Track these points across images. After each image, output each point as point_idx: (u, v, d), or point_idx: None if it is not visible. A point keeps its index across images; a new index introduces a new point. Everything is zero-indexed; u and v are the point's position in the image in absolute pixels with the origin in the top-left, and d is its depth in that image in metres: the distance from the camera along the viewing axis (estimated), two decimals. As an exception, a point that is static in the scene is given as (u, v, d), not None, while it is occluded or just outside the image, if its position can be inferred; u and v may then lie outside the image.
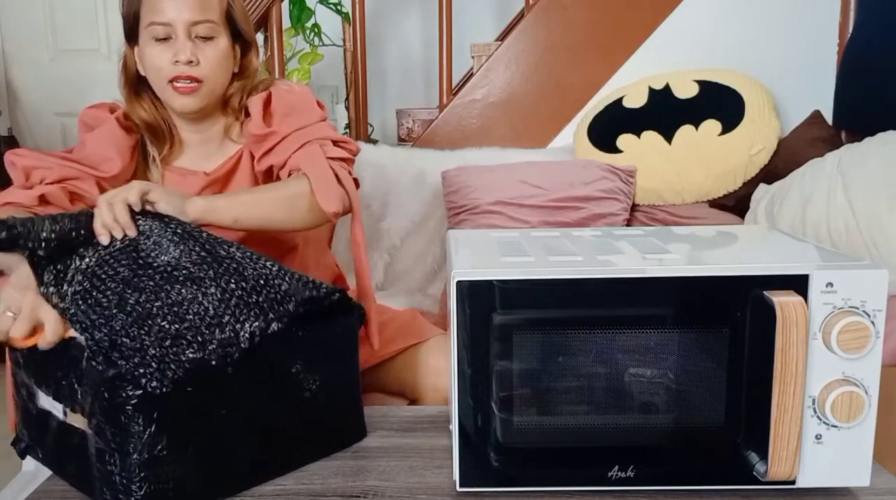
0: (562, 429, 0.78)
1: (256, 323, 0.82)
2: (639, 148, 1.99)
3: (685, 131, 1.96)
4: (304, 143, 1.15)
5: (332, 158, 1.15)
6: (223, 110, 1.23)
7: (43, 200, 1.07)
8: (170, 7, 1.13)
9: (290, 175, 1.15)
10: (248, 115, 1.22)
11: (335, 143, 1.19)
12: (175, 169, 1.23)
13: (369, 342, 1.16)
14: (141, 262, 0.85)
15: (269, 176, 1.20)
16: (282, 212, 1.08)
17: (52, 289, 0.82)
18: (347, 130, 2.30)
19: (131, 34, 1.19)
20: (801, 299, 0.71)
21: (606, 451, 0.78)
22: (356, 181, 1.18)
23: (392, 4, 3.05)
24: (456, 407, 0.77)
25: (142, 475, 0.75)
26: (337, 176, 1.12)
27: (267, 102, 1.21)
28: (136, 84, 1.21)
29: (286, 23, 2.29)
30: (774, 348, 0.71)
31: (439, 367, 1.21)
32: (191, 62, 1.14)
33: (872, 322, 0.72)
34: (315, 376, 0.87)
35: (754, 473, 0.76)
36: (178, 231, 0.89)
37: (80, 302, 0.79)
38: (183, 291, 0.82)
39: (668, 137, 1.96)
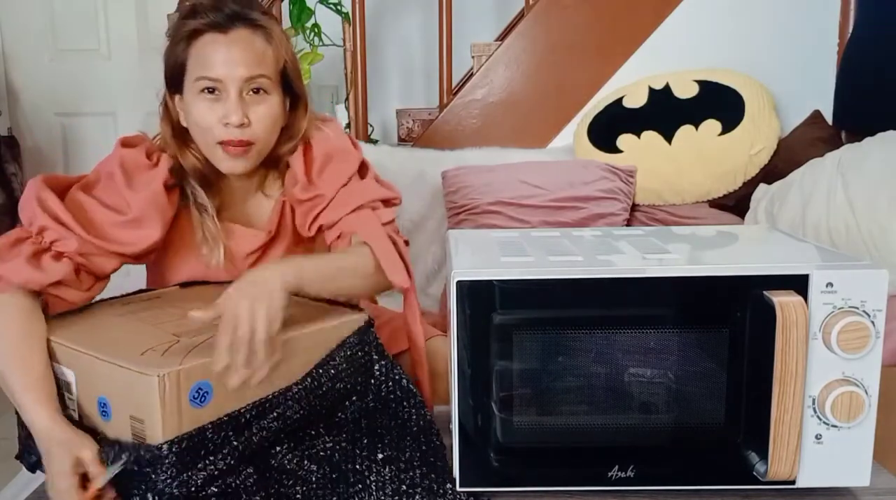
0: (562, 429, 0.78)
1: None
2: (639, 148, 1.99)
3: (685, 131, 1.96)
4: (357, 207, 1.09)
5: (385, 223, 1.09)
6: (264, 164, 1.14)
7: (56, 284, 0.96)
8: (221, 62, 1.03)
9: (339, 236, 1.09)
10: (287, 166, 1.14)
11: (385, 202, 1.12)
12: (230, 226, 1.13)
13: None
14: None
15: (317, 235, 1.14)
16: (356, 283, 1.02)
17: None
18: (348, 130, 2.29)
19: (174, 84, 1.08)
20: (801, 299, 0.71)
21: (606, 451, 0.78)
22: (406, 242, 1.12)
23: (392, 4, 3.05)
24: (456, 407, 0.77)
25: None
26: (395, 246, 1.06)
27: (306, 151, 1.13)
28: (183, 133, 1.11)
29: (286, 23, 2.29)
30: (774, 348, 0.71)
31: (436, 370, 1.20)
32: (242, 125, 1.04)
33: (872, 322, 0.72)
34: None
35: (754, 473, 0.75)
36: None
37: None
38: None
39: (668, 137, 1.96)
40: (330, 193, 1.09)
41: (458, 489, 0.79)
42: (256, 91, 1.05)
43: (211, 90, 1.04)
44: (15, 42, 2.96)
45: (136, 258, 1.07)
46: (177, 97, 1.10)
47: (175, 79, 1.08)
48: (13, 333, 0.89)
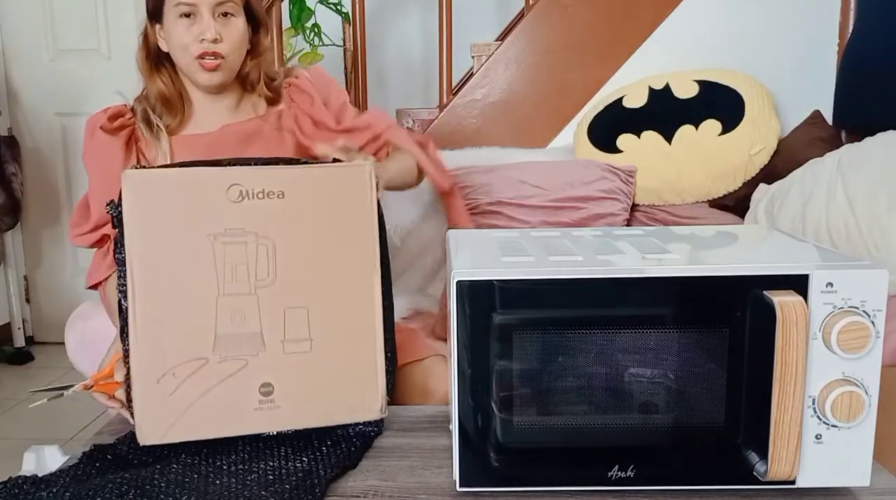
0: (562, 429, 0.78)
1: None
2: (639, 148, 1.99)
3: (685, 131, 1.95)
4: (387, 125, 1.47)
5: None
6: (240, 85, 1.37)
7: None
8: None
9: (382, 146, 1.47)
10: (275, 101, 1.39)
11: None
12: (183, 137, 1.34)
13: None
14: None
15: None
16: (405, 180, 1.48)
17: None
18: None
19: (155, 13, 1.30)
20: (801, 298, 0.71)
21: (606, 451, 0.78)
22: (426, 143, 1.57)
23: (392, 4, 3.05)
24: (456, 407, 0.77)
25: None
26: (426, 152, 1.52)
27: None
28: (157, 58, 1.34)
29: (286, 23, 2.29)
30: (774, 348, 0.71)
31: (435, 389, 1.21)
32: (216, 40, 1.26)
33: (872, 322, 0.72)
34: None
35: (754, 473, 0.75)
36: None
37: None
38: None
39: (668, 137, 1.96)
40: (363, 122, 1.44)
41: (458, 489, 0.79)
42: (225, 15, 1.27)
43: (187, 15, 1.25)
44: (15, 42, 2.96)
45: None
46: (157, 27, 1.31)
47: (156, 9, 1.29)
48: None
